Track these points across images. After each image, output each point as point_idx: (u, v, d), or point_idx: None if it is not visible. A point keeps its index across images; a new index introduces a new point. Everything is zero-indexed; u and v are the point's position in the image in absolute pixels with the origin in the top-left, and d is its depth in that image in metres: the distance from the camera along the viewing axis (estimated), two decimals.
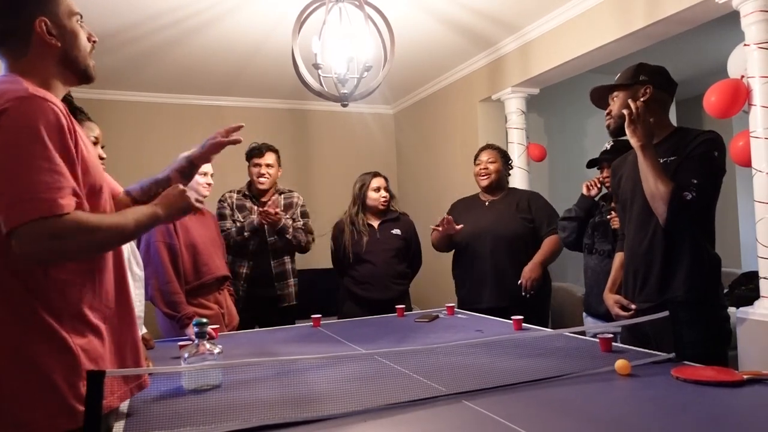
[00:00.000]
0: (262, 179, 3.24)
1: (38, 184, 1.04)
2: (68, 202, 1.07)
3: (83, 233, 1.09)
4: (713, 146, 1.84)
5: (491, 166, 3.06)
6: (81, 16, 1.26)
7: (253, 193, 3.30)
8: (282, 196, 3.33)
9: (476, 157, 3.16)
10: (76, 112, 1.86)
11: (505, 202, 3.07)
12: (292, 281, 3.28)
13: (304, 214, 3.37)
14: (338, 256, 3.27)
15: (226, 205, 3.26)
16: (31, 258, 1.07)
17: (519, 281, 2.86)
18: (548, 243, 2.95)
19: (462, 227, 2.96)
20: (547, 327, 2.86)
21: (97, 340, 1.17)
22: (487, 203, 3.11)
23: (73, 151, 1.12)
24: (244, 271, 3.18)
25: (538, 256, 2.91)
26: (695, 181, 1.78)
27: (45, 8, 1.18)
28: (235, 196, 3.29)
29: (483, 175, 3.07)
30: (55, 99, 1.13)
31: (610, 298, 2.10)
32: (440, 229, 2.98)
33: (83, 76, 1.27)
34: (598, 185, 2.76)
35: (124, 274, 1.31)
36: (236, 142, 1.60)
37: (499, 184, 3.10)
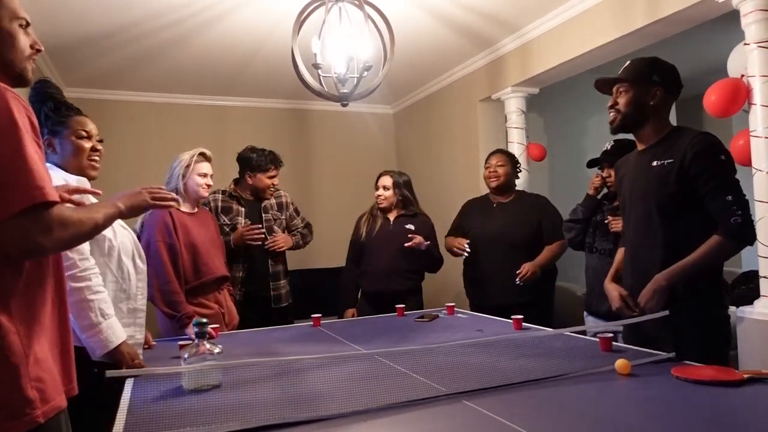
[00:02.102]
0: (271, 190, 3.23)
1: (26, 173, 1.04)
2: (54, 193, 1.07)
3: (67, 226, 1.09)
4: (716, 151, 1.81)
5: (500, 170, 3.18)
6: (27, 23, 1.25)
7: (245, 195, 3.23)
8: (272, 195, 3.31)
9: (486, 160, 3.29)
10: (66, 107, 1.86)
11: (514, 205, 3.19)
12: (284, 281, 3.27)
13: (297, 210, 3.38)
14: (353, 242, 3.34)
15: (208, 209, 3.13)
16: (18, 250, 1.05)
17: (518, 271, 3.01)
18: (550, 249, 3.10)
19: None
20: (549, 326, 2.89)
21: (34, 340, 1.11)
22: (495, 205, 3.22)
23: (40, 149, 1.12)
24: (240, 274, 3.13)
25: (539, 259, 3.06)
26: (730, 198, 1.75)
27: None
28: (220, 197, 3.20)
29: (492, 178, 3.20)
30: (17, 94, 1.11)
31: (613, 289, 2.03)
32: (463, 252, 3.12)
33: (17, 79, 1.24)
34: (601, 183, 2.76)
35: (62, 277, 1.26)
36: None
37: (507, 186, 3.22)
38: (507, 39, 3.86)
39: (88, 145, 1.85)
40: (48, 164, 1.47)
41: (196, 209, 2.76)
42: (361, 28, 2.59)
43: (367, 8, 2.60)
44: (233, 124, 5.10)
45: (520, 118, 4.04)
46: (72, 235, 1.12)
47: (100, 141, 1.92)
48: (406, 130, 5.57)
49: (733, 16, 2.59)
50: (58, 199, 1.08)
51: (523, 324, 2.24)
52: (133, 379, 1.59)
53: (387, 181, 3.31)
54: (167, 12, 3.22)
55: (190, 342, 1.75)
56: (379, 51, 2.76)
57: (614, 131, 2.03)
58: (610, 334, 1.84)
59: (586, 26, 3.28)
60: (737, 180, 1.82)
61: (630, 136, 2.10)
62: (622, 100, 1.95)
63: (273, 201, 3.29)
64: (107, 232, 1.83)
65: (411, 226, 3.25)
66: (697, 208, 1.81)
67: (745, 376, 1.38)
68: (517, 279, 2.99)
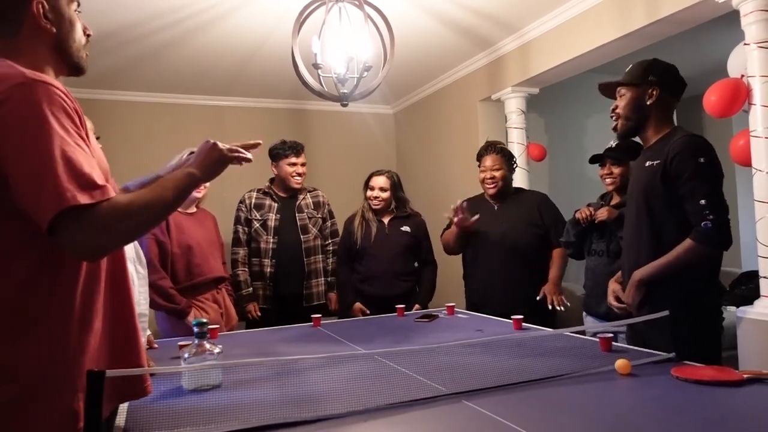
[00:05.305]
0: (298, 178, 3.24)
1: (71, 171, 0.97)
2: (105, 185, 1.01)
3: (124, 217, 1.02)
4: (695, 154, 1.79)
5: (497, 174, 2.97)
6: (79, 4, 1.18)
7: (279, 191, 3.28)
8: (309, 194, 3.34)
9: (479, 159, 3.08)
10: None
11: (514, 207, 3.00)
12: (321, 280, 3.28)
13: (331, 213, 3.39)
14: (346, 246, 3.28)
15: (243, 207, 3.23)
16: (82, 251, 1.00)
17: (539, 297, 2.82)
18: (558, 257, 2.93)
19: (477, 218, 2.88)
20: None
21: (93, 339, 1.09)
22: (496, 207, 3.03)
23: (85, 136, 1.06)
24: (269, 269, 3.15)
25: (554, 274, 2.89)
26: (703, 202, 1.75)
27: None
28: (254, 195, 3.26)
29: (490, 185, 2.99)
30: (57, 83, 1.04)
31: (611, 285, 2.10)
32: (455, 220, 2.88)
33: (74, 68, 1.19)
34: (587, 215, 2.68)
35: (123, 269, 1.22)
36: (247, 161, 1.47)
37: (506, 189, 3.04)
38: (507, 39, 3.85)
39: None
40: None
41: (194, 209, 2.76)
42: (361, 28, 2.59)
43: (367, 8, 2.60)
44: (233, 123, 5.10)
45: (520, 118, 4.04)
46: (135, 224, 1.05)
47: (97, 138, 1.92)
48: (407, 130, 5.57)
49: (733, 16, 2.59)
50: (90, 200, 0.98)
51: (523, 324, 2.24)
52: None
53: (383, 182, 3.24)
54: (167, 12, 3.22)
55: (190, 342, 1.75)
56: (379, 51, 2.76)
57: (620, 137, 2.05)
58: (610, 334, 1.84)
59: (586, 26, 3.28)
60: (717, 183, 1.81)
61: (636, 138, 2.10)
62: (621, 103, 1.97)
63: (309, 200, 3.31)
64: None
65: (407, 228, 3.24)
66: (682, 208, 1.82)
67: (745, 376, 1.38)
68: (554, 306, 2.78)
